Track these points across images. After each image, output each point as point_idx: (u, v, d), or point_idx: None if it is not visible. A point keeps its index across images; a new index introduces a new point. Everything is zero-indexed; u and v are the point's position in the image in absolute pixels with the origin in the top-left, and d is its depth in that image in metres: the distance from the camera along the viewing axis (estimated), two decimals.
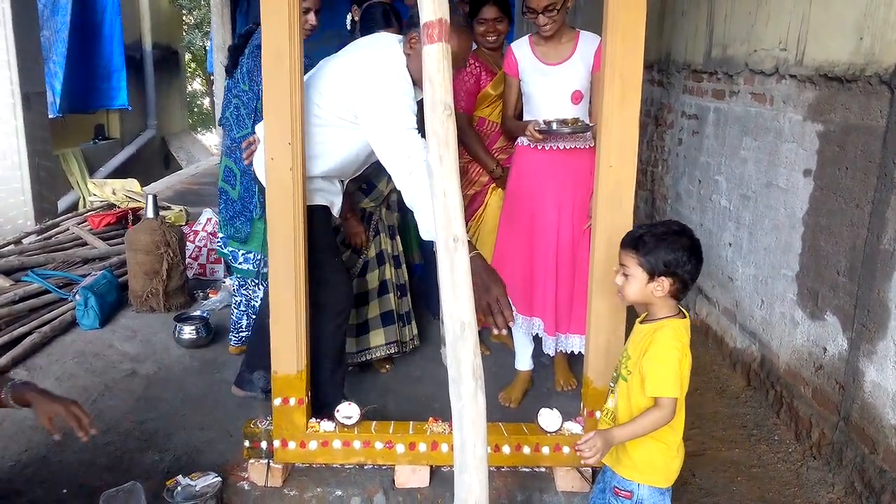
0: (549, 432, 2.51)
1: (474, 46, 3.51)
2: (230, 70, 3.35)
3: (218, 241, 3.75)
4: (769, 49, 3.38)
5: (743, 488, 2.75)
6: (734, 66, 3.77)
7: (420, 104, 2.87)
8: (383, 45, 2.59)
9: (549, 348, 3.18)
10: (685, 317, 1.99)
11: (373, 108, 2.45)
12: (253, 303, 3.46)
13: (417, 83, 2.51)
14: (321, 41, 4.67)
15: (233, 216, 3.29)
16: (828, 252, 2.87)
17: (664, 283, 1.90)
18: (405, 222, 3.99)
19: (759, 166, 3.47)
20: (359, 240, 3.25)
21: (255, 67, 3.17)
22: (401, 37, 2.61)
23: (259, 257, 3.32)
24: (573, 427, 2.54)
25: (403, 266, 3.56)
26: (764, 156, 3.42)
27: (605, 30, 2.26)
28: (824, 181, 2.91)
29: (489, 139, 3.46)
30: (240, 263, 3.35)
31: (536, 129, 2.93)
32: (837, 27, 2.83)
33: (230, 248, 3.37)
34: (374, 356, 3.36)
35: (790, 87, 3.18)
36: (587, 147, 3.05)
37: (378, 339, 3.35)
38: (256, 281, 3.41)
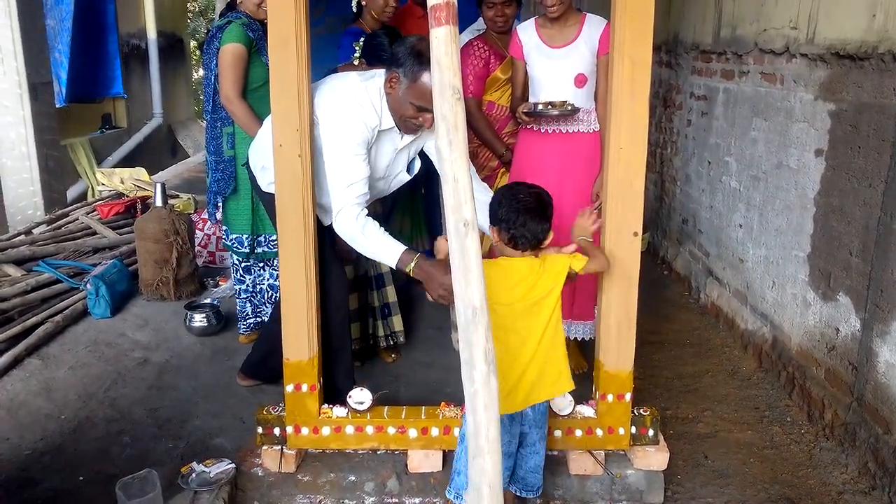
0: (562, 416, 2.51)
1: (484, 29, 3.49)
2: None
3: (222, 231, 3.79)
4: (779, 28, 3.34)
5: (755, 469, 2.75)
6: (744, 45, 3.73)
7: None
8: (363, 78, 2.60)
9: None
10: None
11: (327, 131, 2.47)
12: (259, 286, 3.48)
13: (396, 123, 2.56)
14: (326, 27, 4.64)
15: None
16: (840, 232, 2.85)
17: (494, 231, 2.23)
18: (414, 208, 3.96)
19: (770, 147, 3.44)
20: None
21: (211, 53, 3.23)
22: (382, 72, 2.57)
23: (251, 238, 3.35)
24: (585, 410, 2.54)
25: None
26: (774, 136, 3.39)
27: (614, 11, 2.23)
28: (836, 161, 2.89)
29: (498, 123, 3.44)
30: (244, 248, 3.37)
31: (524, 111, 2.94)
32: (849, 4, 2.79)
33: (235, 236, 3.39)
34: None
35: (801, 66, 3.14)
36: (590, 131, 3.04)
37: (353, 332, 3.20)
38: (262, 264, 3.44)
